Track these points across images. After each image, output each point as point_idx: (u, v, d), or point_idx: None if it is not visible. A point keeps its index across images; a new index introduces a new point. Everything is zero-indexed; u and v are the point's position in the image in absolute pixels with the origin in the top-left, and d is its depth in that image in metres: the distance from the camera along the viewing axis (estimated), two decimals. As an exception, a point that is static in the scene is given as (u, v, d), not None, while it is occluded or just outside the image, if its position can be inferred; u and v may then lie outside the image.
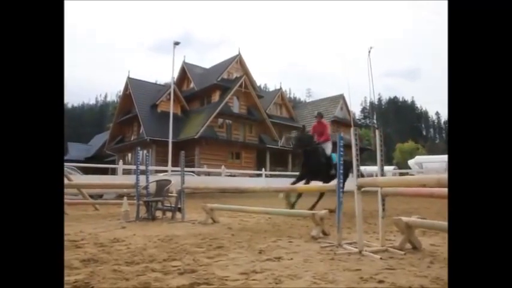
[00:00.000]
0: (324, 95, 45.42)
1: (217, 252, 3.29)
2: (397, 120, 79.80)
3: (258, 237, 4.21)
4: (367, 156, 35.14)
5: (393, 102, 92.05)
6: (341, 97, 41.88)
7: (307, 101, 66.65)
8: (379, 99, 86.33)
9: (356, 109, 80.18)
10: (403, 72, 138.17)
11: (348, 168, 8.42)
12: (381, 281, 2.29)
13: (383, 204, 3.51)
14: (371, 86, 23.73)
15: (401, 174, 22.50)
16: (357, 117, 69.89)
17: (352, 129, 3.60)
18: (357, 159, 3.50)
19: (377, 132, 3.57)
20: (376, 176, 3.62)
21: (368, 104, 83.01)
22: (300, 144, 7.97)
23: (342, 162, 3.76)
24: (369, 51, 27.65)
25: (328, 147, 8.06)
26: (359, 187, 3.44)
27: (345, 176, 8.44)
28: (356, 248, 3.28)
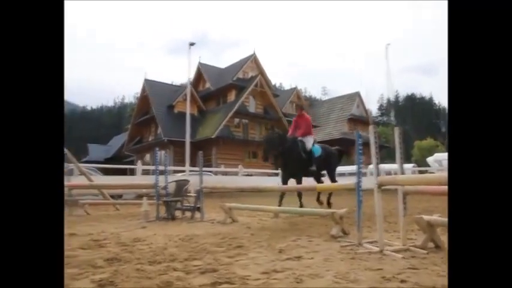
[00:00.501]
0: (339, 93, 45.07)
1: (238, 251, 3.31)
2: (415, 117, 78.54)
3: (277, 236, 4.21)
4: (385, 154, 34.70)
5: (411, 99, 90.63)
6: (357, 95, 41.50)
7: (323, 99, 66.24)
8: (396, 96, 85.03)
9: (373, 106, 79.35)
10: (420, 68, 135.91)
11: (333, 159, 8.19)
12: (403, 281, 2.27)
13: (404, 203, 3.47)
14: (388, 83, 23.45)
15: (420, 172, 22.17)
16: (374, 115, 69.09)
17: (370, 128, 3.57)
18: (377, 158, 3.46)
19: (396, 130, 3.53)
20: (396, 174, 3.57)
21: (385, 101, 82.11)
22: (271, 146, 7.06)
23: (361, 160, 3.72)
24: (386, 48, 27.33)
25: (308, 142, 7.49)
26: (379, 185, 3.41)
27: (333, 168, 8.23)
28: (377, 247, 3.26)
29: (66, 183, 7.95)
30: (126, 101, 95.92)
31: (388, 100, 77.72)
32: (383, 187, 3.46)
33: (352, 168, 21.00)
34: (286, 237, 4.14)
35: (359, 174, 3.71)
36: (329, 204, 7.68)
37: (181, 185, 6.53)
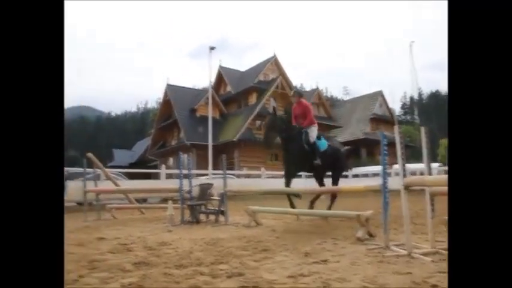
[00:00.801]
0: (361, 93, 44.48)
1: (263, 255, 3.30)
2: (440, 115, 76.70)
3: (303, 239, 4.19)
4: (410, 154, 34.04)
5: (434, 96, 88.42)
6: (380, 94, 40.91)
7: (345, 99, 65.60)
8: (420, 94, 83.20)
9: (396, 105, 77.90)
10: (444, 65, 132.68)
11: (340, 160, 7.00)
12: (434, 285, 2.21)
13: (432, 204, 3.39)
14: (412, 81, 23.04)
15: (446, 172, 21.62)
16: (397, 114, 67.80)
17: (395, 127, 3.52)
18: (402, 158, 3.40)
19: (422, 129, 3.46)
20: (422, 174, 3.50)
21: (408, 100, 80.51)
22: (272, 132, 6.36)
23: (386, 161, 3.66)
24: (410, 45, 26.85)
25: (312, 132, 6.63)
26: (406, 186, 3.34)
27: (339, 169, 7.10)
28: (404, 250, 3.20)
29: (93, 188, 8.15)
30: (149, 106, 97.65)
31: (412, 98, 76.26)
32: (410, 188, 3.40)
33: (376, 168, 20.74)
34: (311, 240, 4.11)
35: (385, 175, 3.65)
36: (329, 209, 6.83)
37: (205, 189, 6.58)
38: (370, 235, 4.07)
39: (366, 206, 7.75)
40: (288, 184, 6.59)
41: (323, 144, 6.75)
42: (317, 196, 6.98)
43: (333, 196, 6.93)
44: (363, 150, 35.89)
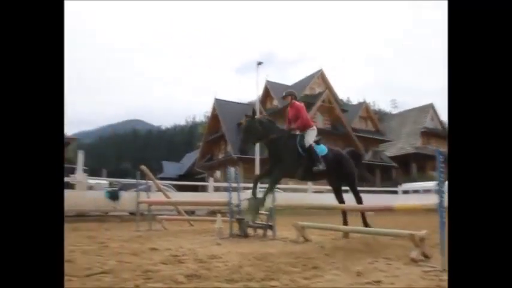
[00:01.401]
0: (410, 106, 42.97)
1: (313, 272, 3.26)
2: None
3: (353, 257, 4.09)
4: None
5: None
6: (431, 106, 39.40)
7: (393, 112, 63.73)
8: None
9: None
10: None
11: (348, 164, 6.31)
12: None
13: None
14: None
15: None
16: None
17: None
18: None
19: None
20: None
21: None
22: (250, 137, 5.89)
23: (442, 178, 3.51)
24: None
25: (309, 136, 6.05)
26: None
27: (349, 175, 6.43)
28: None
29: (146, 199, 8.46)
30: (197, 119, 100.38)
31: None
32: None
33: (427, 184, 19.85)
34: (361, 258, 4.00)
35: (441, 193, 3.50)
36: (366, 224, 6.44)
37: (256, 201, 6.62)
38: (426, 256, 3.89)
39: (417, 224, 7.43)
40: (254, 189, 6.27)
41: (322, 149, 6.16)
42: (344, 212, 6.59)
43: (362, 212, 6.43)
44: (413, 165, 34.58)
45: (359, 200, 6.56)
